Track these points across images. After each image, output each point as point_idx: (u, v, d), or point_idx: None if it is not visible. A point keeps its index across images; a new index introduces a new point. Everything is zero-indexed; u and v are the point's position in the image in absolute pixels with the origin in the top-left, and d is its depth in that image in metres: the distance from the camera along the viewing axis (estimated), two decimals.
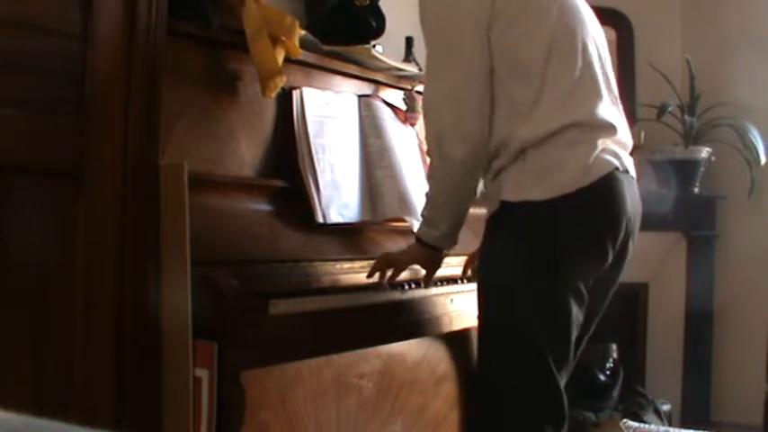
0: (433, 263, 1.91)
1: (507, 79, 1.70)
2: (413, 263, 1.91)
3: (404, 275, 1.92)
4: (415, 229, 2.12)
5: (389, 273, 1.87)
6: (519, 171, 1.69)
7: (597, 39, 1.82)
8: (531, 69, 1.69)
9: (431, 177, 1.82)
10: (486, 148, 1.72)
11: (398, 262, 1.88)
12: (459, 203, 1.80)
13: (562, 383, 1.71)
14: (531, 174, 1.68)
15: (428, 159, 1.83)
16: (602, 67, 1.79)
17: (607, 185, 1.69)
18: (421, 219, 1.87)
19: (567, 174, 1.66)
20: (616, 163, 1.71)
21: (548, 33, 1.71)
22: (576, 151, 1.68)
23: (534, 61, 1.70)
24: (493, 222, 1.75)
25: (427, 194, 1.83)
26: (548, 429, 1.69)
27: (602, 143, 1.70)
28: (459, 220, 1.82)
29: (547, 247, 1.67)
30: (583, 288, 1.68)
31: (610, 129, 1.74)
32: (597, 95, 1.75)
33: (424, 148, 2.30)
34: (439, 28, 1.75)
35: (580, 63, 1.73)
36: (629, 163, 1.78)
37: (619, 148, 1.76)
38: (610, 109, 1.77)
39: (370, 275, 1.86)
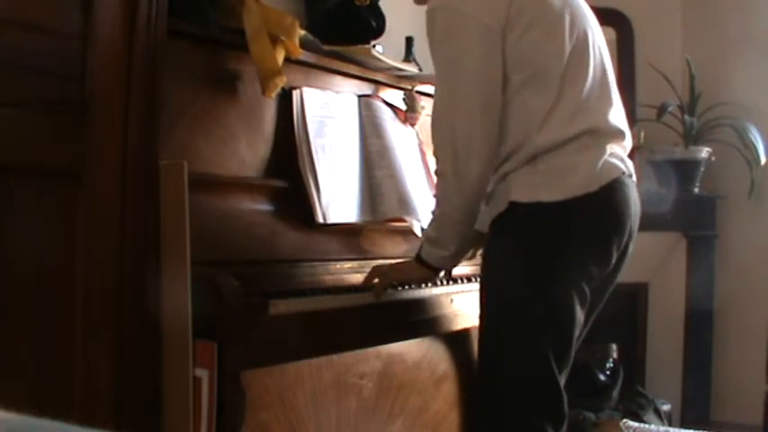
0: (429, 282, 1.89)
1: (523, 87, 1.68)
2: (407, 282, 1.87)
3: None
4: (415, 229, 2.12)
5: (377, 284, 1.82)
6: (529, 173, 1.69)
7: (602, 42, 1.82)
8: (550, 76, 1.69)
9: (441, 196, 1.76)
10: (494, 163, 1.71)
11: (391, 278, 1.83)
12: (469, 221, 1.76)
13: (562, 382, 1.71)
14: (543, 176, 1.68)
15: (435, 178, 1.79)
16: (609, 70, 1.81)
17: (615, 189, 1.70)
18: (424, 239, 1.83)
19: (578, 177, 1.67)
20: (622, 167, 1.73)
21: (565, 40, 1.70)
22: (586, 155, 1.69)
23: (553, 68, 1.69)
24: (499, 222, 1.74)
25: (434, 213, 1.79)
26: (548, 428, 1.69)
27: (610, 148, 1.73)
28: (467, 238, 1.79)
29: (554, 247, 1.67)
30: (586, 289, 1.69)
31: (619, 134, 1.77)
32: (609, 100, 1.77)
33: (425, 148, 2.31)
34: (450, 40, 1.70)
35: (592, 68, 1.74)
36: (631, 166, 1.80)
37: (622, 152, 1.78)
38: (619, 113, 1.79)
39: (365, 289, 1.82)
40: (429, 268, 1.81)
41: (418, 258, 1.81)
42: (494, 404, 1.75)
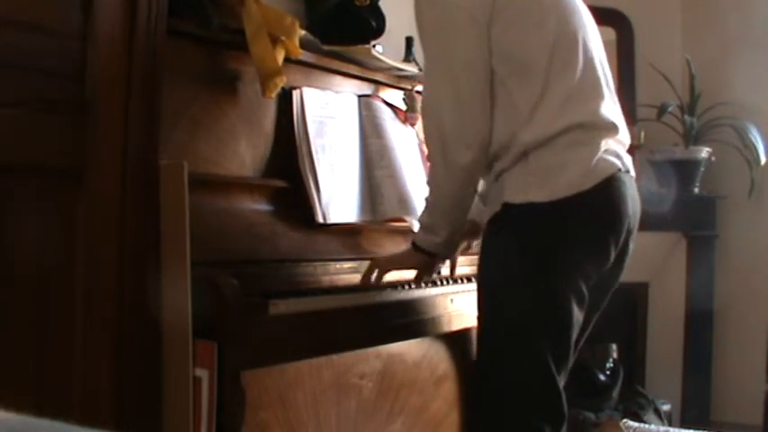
0: (428, 269, 1.89)
1: (508, 80, 1.69)
2: (407, 269, 1.89)
3: (403, 276, 1.91)
4: (415, 229, 2.12)
5: (374, 276, 1.84)
6: (522, 173, 1.68)
7: (596, 39, 1.82)
8: (534, 69, 1.68)
9: (432, 183, 1.79)
10: (487, 152, 1.71)
11: (389, 268, 1.85)
12: (461, 209, 1.78)
13: (561, 383, 1.71)
14: (535, 175, 1.67)
15: (429, 164, 1.80)
16: (602, 66, 1.79)
17: (610, 187, 1.69)
18: (419, 225, 1.85)
19: (570, 175, 1.66)
20: (618, 164, 1.71)
21: (550, 33, 1.70)
22: (578, 152, 1.68)
23: (537, 61, 1.68)
24: (494, 223, 1.74)
25: (427, 200, 1.80)
26: (546, 429, 1.69)
27: (605, 144, 1.71)
28: (459, 225, 1.80)
29: (550, 248, 1.66)
30: (584, 288, 1.68)
31: (612, 128, 1.74)
32: (599, 94, 1.75)
33: (425, 148, 2.31)
34: (437, 30, 1.72)
35: (581, 62, 1.73)
36: (629, 162, 1.78)
37: (619, 147, 1.76)
38: (611, 108, 1.77)
39: (362, 282, 1.84)
40: (424, 254, 1.82)
41: (413, 244, 1.83)
42: (492, 404, 1.75)
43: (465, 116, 1.68)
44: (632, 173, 1.79)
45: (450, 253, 1.90)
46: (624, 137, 1.79)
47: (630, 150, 1.83)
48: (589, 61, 1.75)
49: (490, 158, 1.73)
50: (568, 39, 1.72)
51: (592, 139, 1.70)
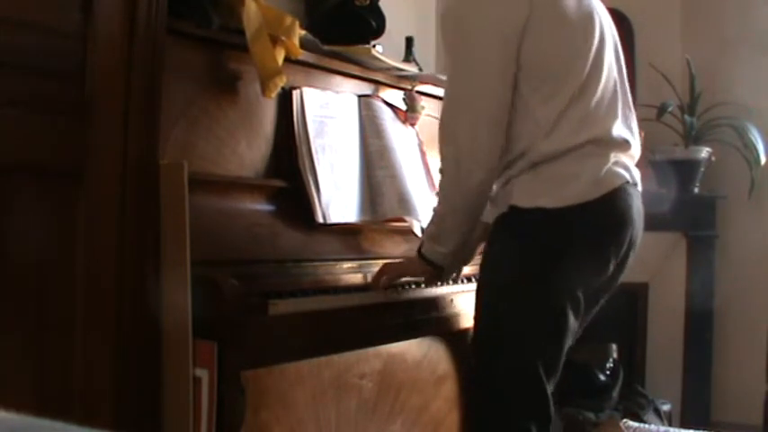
0: (435, 279, 1.90)
1: (531, 97, 1.67)
2: (409, 275, 1.89)
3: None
4: (415, 229, 2.12)
5: (382, 281, 1.86)
6: (531, 180, 1.69)
7: (619, 50, 1.82)
8: (564, 87, 1.67)
9: (441, 196, 1.77)
10: (498, 167, 1.71)
11: (394, 273, 1.87)
12: (470, 222, 1.77)
13: (550, 389, 1.71)
14: (545, 183, 1.67)
15: (439, 176, 1.80)
16: (621, 77, 1.80)
17: (617, 198, 1.69)
18: (425, 234, 1.84)
19: (579, 184, 1.66)
20: (627, 176, 1.72)
21: (585, 54, 1.69)
22: (589, 163, 1.68)
23: (570, 80, 1.68)
24: (499, 225, 1.74)
25: (435, 210, 1.79)
26: (532, 429, 1.69)
27: (615, 156, 1.71)
28: (467, 237, 1.80)
29: (552, 253, 1.66)
30: (581, 297, 1.69)
31: (624, 145, 1.75)
32: (614, 114, 1.75)
33: (425, 148, 2.31)
34: (463, 48, 1.69)
35: (604, 79, 1.73)
36: (637, 175, 1.79)
37: (629, 160, 1.77)
38: (625, 124, 1.77)
39: (372, 287, 1.85)
40: (429, 263, 1.82)
41: (419, 253, 1.83)
42: (483, 404, 1.76)
43: (481, 140, 1.67)
44: (639, 186, 1.79)
45: (458, 265, 1.89)
46: (636, 151, 1.79)
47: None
48: (610, 77, 1.75)
49: (503, 167, 1.72)
50: (597, 58, 1.72)
51: (603, 152, 1.70)
